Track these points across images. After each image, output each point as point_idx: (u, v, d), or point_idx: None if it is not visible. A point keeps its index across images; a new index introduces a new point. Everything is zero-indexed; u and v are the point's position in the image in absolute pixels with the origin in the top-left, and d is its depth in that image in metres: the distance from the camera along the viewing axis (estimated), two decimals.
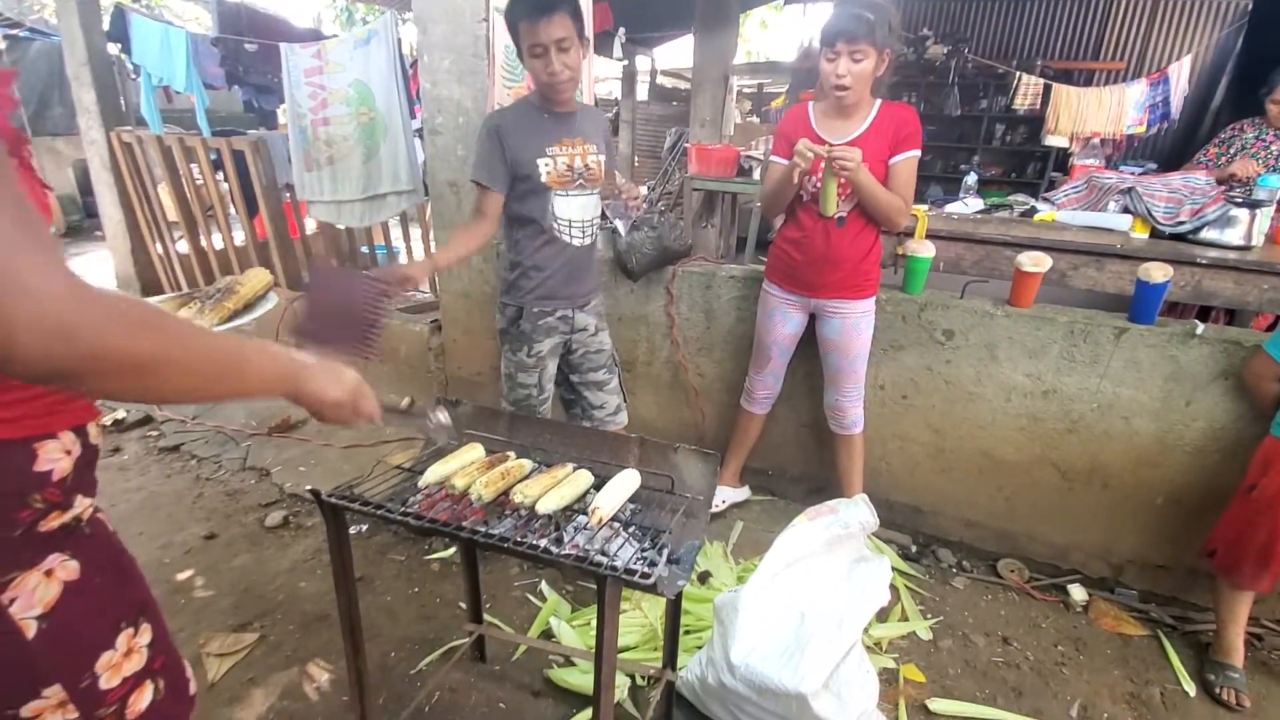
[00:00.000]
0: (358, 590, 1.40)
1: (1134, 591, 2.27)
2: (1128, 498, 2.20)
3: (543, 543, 1.16)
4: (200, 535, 2.42)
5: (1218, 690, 1.87)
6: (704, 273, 2.61)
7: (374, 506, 1.23)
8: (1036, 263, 2.17)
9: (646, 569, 1.09)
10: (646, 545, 1.22)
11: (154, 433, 3.15)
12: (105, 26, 4.18)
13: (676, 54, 10.92)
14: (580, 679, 1.80)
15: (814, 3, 7.94)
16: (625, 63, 8.61)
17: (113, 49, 4.33)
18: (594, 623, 1.18)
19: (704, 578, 2.20)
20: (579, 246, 2.07)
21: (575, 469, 1.36)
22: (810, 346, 2.36)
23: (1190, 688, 1.91)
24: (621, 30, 6.15)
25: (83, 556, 0.74)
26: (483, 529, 1.18)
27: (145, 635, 0.80)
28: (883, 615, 2.10)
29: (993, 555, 2.43)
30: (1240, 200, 2.51)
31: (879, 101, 2.06)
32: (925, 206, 3.04)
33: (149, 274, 4.40)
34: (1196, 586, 2.20)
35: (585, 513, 1.25)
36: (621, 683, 1.79)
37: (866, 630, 1.96)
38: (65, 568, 0.72)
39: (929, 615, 2.14)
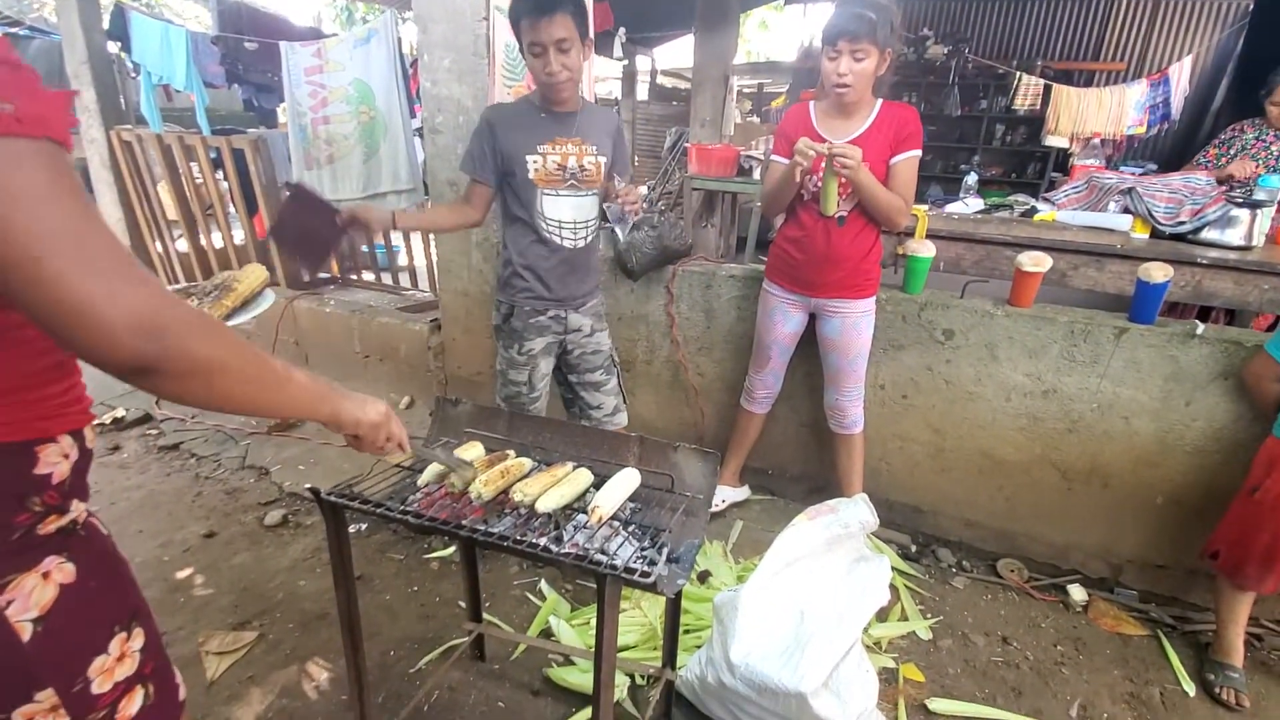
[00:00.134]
0: (357, 589, 1.40)
1: (1134, 591, 2.27)
2: (1128, 498, 2.20)
3: (542, 541, 1.15)
4: (199, 533, 2.42)
5: (1217, 690, 1.87)
6: (704, 272, 2.61)
7: (373, 505, 1.23)
8: (1037, 262, 2.17)
9: (646, 568, 1.09)
10: (646, 544, 1.22)
11: (153, 431, 3.15)
12: (105, 25, 4.17)
13: (677, 54, 10.94)
14: (580, 678, 1.80)
15: (814, 3, 7.95)
16: (625, 62, 8.62)
17: (112, 47, 4.33)
18: (593, 622, 1.18)
19: (704, 577, 2.20)
20: (570, 248, 2.04)
21: (575, 468, 1.36)
22: (810, 346, 2.35)
23: (1190, 687, 1.91)
24: (622, 30, 6.16)
25: (79, 560, 0.74)
26: (482, 527, 1.18)
27: (138, 640, 0.80)
28: (882, 615, 2.10)
29: (992, 555, 2.43)
30: (1241, 200, 2.51)
31: (880, 101, 2.06)
32: (925, 206, 3.03)
33: None
34: (1196, 586, 2.20)
35: (585, 511, 1.25)
36: (621, 682, 1.79)
37: (866, 630, 1.96)
38: (62, 570, 0.72)
39: (929, 615, 2.14)
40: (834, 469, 2.45)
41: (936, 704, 1.81)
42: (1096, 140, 5.80)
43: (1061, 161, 7.08)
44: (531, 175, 1.94)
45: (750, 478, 2.72)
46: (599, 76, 9.84)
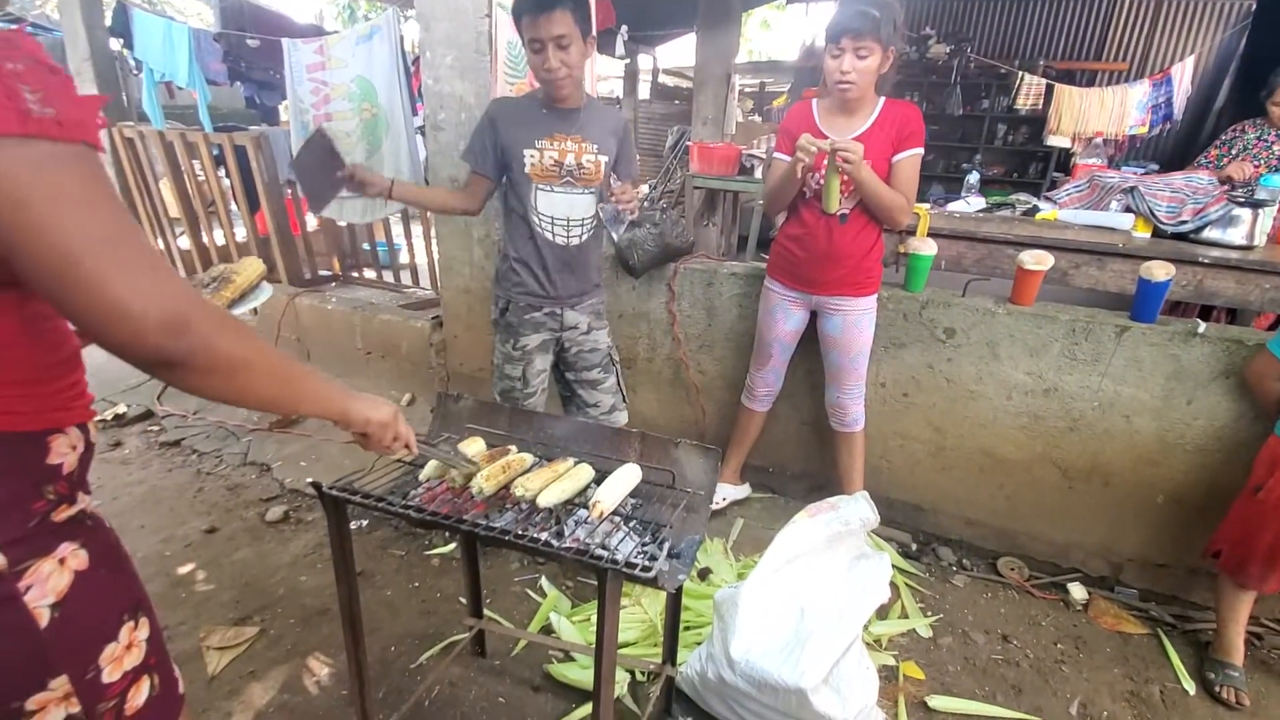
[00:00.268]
0: (358, 584, 1.40)
1: (1134, 590, 2.27)
2: (1128, 496, 2.20)
3: (544, 536, 1.16)
4: (201, 529, 2.42)
5: (1217, 689, 1.87)
6: (705, 270, 2.61)
7: (375, 500, 1.23)
8: (1038, 261, 2.17)
9: (647, 563, 1.09)
10: (647, 540, 1.22)
11: (155, 427, 3.15)
12: (108, 22, 4.18)
13: (679, 53, 10.93)
14: (580, 674, 1.80)
15: (816, 2, 7.95)
16: (628, 61, 8.61)
17: (115, 44, 4.33)
18: (594, 618, 1.18)
19: (704, 574, 2.20)
20: (563, 245, 2.04)
21: (576, 463, 1.36)
22: (811, 344, 2.35)
23: (1190, 686, 1.91)
24: (624, 28, 6.15)
25: (91, 548, 0.75)
26: (484, 522, 1.18)
27: (144, 630, 0.81)
28: (883, 612, 2.10)
29: (993, 553, 2.43)
30: (1243, 200, 2.51)
31: (883, 99, 2.06)
32: (927, 205, 3.03)
33: None
34: (1196, 585, 2.20)
35: (586, 507, 1.26)
36: (621, 678, 1.79)
37: (866, 627, 1.96)
38: (77, 556, 0.73)
39: (929, 613, 2.14)
40: (835, 467, 2.45)
41: (936, 701, 1.81)
42: (1098, 140, 5.80)
43: (1063, 161, 7.07)
44: (527, 169, 1.95)
45: (751, 475, 2.72)
46: (601, 75, 9.83)
